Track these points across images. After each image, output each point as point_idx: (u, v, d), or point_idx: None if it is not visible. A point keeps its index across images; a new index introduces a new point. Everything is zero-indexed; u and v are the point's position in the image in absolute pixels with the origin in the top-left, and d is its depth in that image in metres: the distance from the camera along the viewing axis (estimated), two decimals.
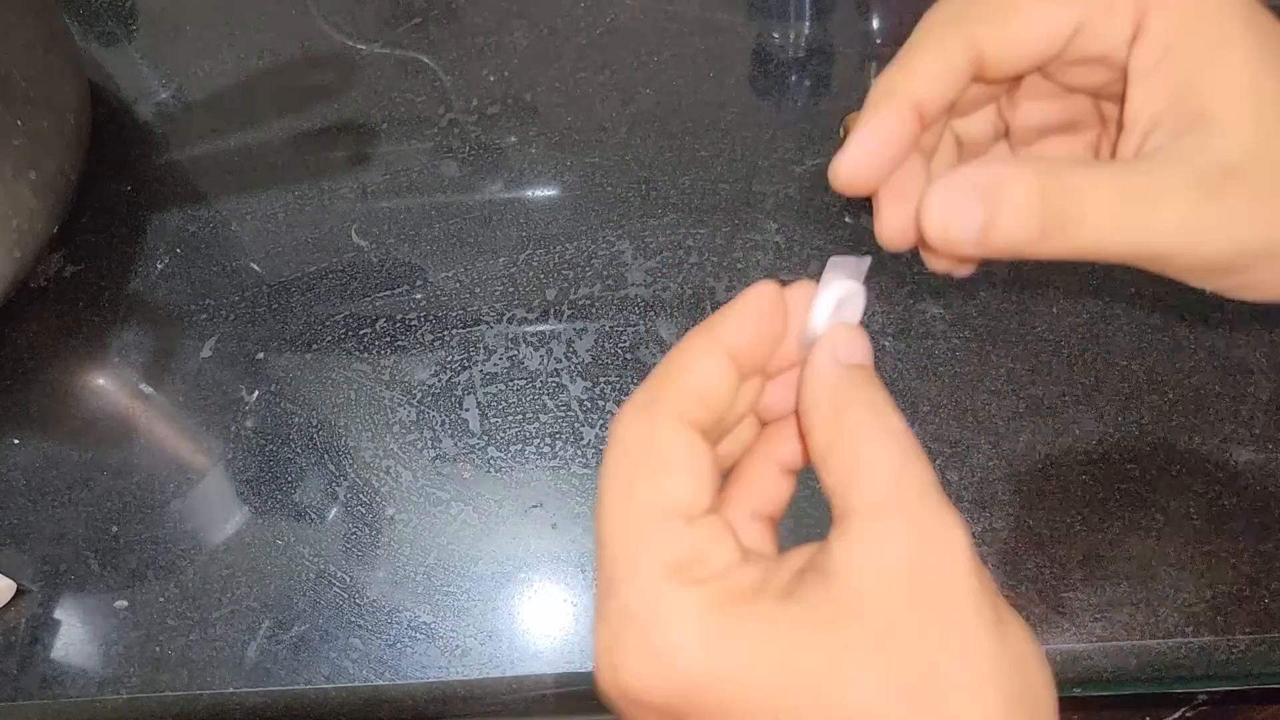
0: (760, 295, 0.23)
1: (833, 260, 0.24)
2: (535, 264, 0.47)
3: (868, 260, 0.24)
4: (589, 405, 0.43)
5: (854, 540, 0.19)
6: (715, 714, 0.19)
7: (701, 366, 0.22)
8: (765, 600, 0.19)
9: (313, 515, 0.42)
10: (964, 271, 0.26)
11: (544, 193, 0.50)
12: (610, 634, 0.20)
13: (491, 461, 0.42)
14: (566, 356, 0.44)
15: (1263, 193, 0.22)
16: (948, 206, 0.22)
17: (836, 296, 0.23)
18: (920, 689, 0.18)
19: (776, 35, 0.53)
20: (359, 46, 0.55)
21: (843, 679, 0.18)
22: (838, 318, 0.23)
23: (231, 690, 0.38)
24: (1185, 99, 0.22)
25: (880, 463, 0.20)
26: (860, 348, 0.23)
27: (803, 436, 0.23)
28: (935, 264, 0.25)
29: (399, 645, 0.39)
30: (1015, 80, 0.26)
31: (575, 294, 0.46)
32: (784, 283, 0.23)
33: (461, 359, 0.45)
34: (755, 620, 0.19)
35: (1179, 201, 0.21)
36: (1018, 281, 0.45)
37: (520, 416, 0.43)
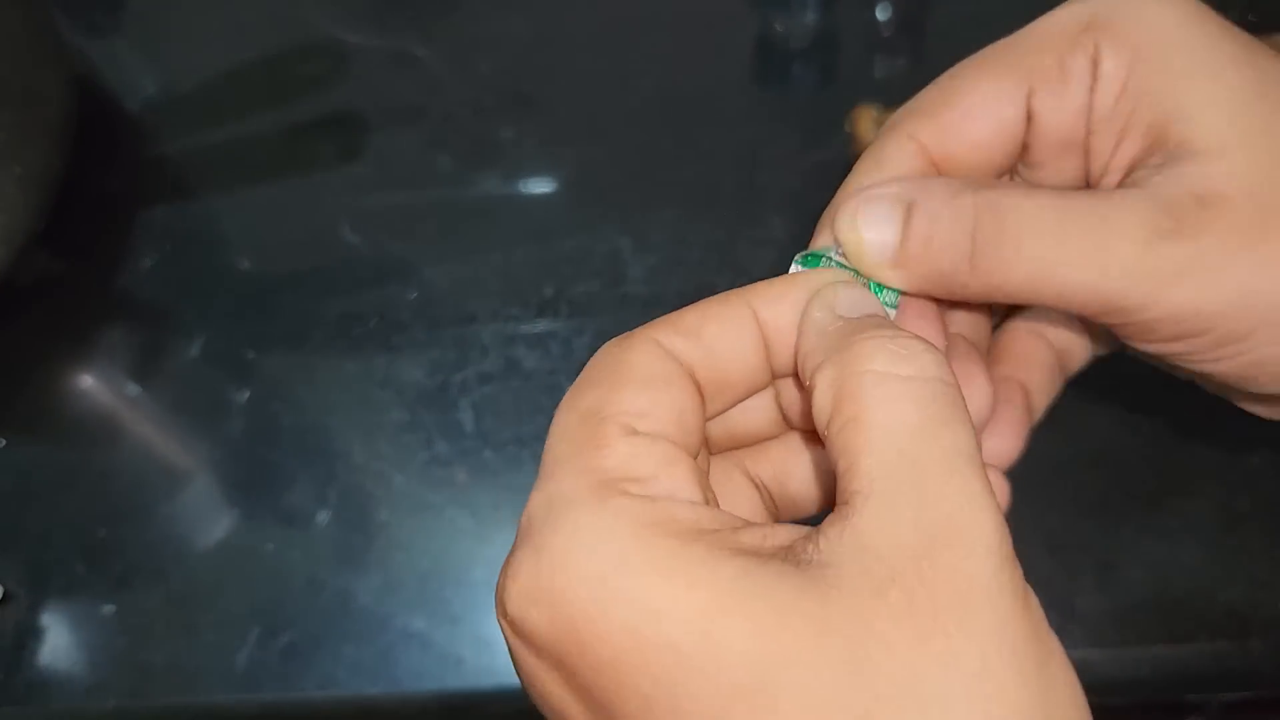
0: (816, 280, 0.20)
1: None
2: (532, 260, 0.46)
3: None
4: None
5: (850, 529, 0.15)
6: (608, 676, 0.15)
7: (716, 320, 0.20)
8: (714, 547, 0.15)
9: (303, 519, 0.41)
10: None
11: (540, 187, 0.49)
12: (517, 539, 0.17)
13: (487, 464, 0.42)
14: (564, 356, 0.44)
15: (1250, 231, 0.18)
16: (862, 213, 0.20)
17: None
18: None
19: (780, 24, 0.53)
20: (350, 37, 0.54)
21: (788, 691, 0.14)
22: None
23: (220, 699, 0.38)
24: (1156, 135, 0.19)
25: (894, 428, 0.16)
26: (868, 301, 0.20)
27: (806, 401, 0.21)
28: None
29: (392, 654, 0.38)
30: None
31: (573, 291, 0.45)
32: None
33: (456, 358, 0.44)
34: (692, 563, 0.15)
35: (1136, 233, 0.18)
36: None
37: (516, 418, 0.43)
